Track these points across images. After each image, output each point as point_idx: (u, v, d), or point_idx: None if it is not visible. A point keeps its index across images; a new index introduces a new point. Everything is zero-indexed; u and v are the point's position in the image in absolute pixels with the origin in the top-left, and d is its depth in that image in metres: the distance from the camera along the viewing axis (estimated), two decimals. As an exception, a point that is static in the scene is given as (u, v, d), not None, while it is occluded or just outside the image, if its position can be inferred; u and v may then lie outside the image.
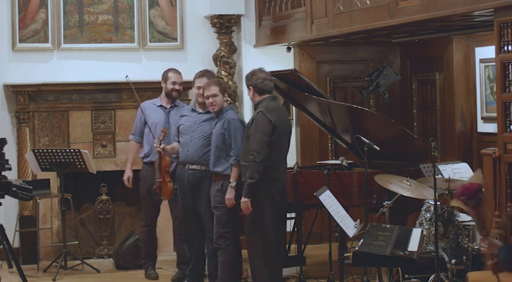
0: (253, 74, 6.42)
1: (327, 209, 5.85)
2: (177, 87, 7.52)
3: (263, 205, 6.21)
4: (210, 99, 6.61)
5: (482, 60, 7.72)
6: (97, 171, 7.97)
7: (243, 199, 6.19)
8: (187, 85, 8.19)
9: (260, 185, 6.15)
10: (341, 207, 5.99)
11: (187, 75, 7.72)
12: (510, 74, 5.40)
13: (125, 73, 7.85)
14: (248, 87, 6.43)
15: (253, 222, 6.26)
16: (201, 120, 6.92)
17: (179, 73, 7.60)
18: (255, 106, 6.41)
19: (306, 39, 8.13)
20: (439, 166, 6.36)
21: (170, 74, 7.55)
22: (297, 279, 7.00)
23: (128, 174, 7.67)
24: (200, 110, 6.96)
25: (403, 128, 6.99)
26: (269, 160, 6.18)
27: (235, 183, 6.39)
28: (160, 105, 7.54)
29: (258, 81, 6.36)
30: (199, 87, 6.93)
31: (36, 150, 7.74)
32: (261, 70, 6.46)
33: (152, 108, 7.54)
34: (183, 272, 7.26)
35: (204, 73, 7.09)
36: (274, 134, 6.20)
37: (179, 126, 7.03)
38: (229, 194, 6.42)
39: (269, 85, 6.41)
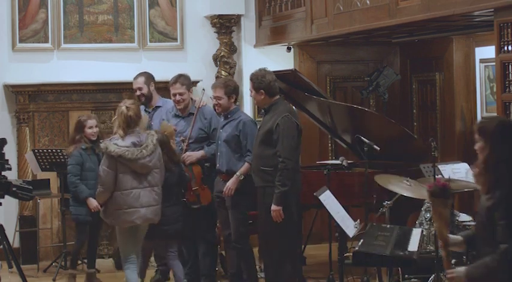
0: (262, 76, 6.23)
1: (327, 209, 5.85)
2: (137, 93, 7.35)
3: (291, 205, 6.15)
4: (215, 101, 6.61)
5: (482, 60, 7.72)
6: (97, 171, 7.97)
7: (275, 207, 6.04)
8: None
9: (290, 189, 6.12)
10: (341, 207, 5.99)
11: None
12: (510, 74, 5.40)
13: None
14: (258, 90, 6.22)
15: (281, 223, 6.15)
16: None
17: (136, 77, 7.40)
18: (267, 109, 6.28)
19: (306, 39, 8.13)
20: (439, 166, 6.36)
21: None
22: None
23: None
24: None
25: (403, 128, 6.99)
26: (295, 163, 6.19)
27: (243, 176, 6.41)
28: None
29: (270, 84, 6.22)
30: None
31: (36, 150, 7.74)
32: (266, 71, 6.30)
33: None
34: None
35: (177, 78, 6.96)
36: (298, 136, 6.20)
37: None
38: (232, 184, 6.43)
39: (277, 86, 6.31)
